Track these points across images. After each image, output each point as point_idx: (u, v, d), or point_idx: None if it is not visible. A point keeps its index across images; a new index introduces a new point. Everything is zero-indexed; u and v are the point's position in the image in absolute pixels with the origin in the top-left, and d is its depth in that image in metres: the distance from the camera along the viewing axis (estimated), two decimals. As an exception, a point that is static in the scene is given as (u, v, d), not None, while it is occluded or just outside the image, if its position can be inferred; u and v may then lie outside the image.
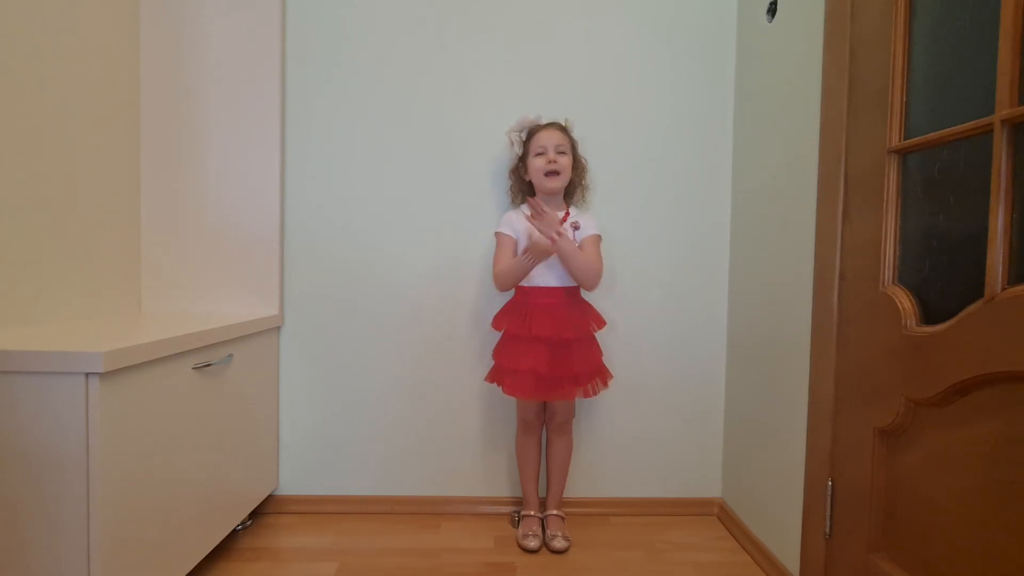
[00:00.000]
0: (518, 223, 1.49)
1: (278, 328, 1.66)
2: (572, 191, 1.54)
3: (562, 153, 1.45)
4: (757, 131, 1.53)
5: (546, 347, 1.40)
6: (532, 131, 1.49)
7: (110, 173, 1.44)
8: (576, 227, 1.47)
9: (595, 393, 1.48)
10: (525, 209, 1.52)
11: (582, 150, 1.57)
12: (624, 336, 1.69)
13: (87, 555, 0.93)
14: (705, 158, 1.69)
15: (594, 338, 1.49)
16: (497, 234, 1.50)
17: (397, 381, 1.69)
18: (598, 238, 1.49)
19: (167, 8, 1.56)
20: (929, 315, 0.95)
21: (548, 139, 1.45)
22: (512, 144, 1.50)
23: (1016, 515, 0.78)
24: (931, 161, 0.96)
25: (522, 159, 1.51)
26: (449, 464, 1.70)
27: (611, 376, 1.52)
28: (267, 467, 1.61)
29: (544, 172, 1.44)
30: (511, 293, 1.55)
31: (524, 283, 1.47)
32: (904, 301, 0.98)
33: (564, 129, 1.49)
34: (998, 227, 0.81)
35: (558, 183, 1.45)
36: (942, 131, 0.92)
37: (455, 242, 1.67)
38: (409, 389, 1.69)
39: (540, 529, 1.53)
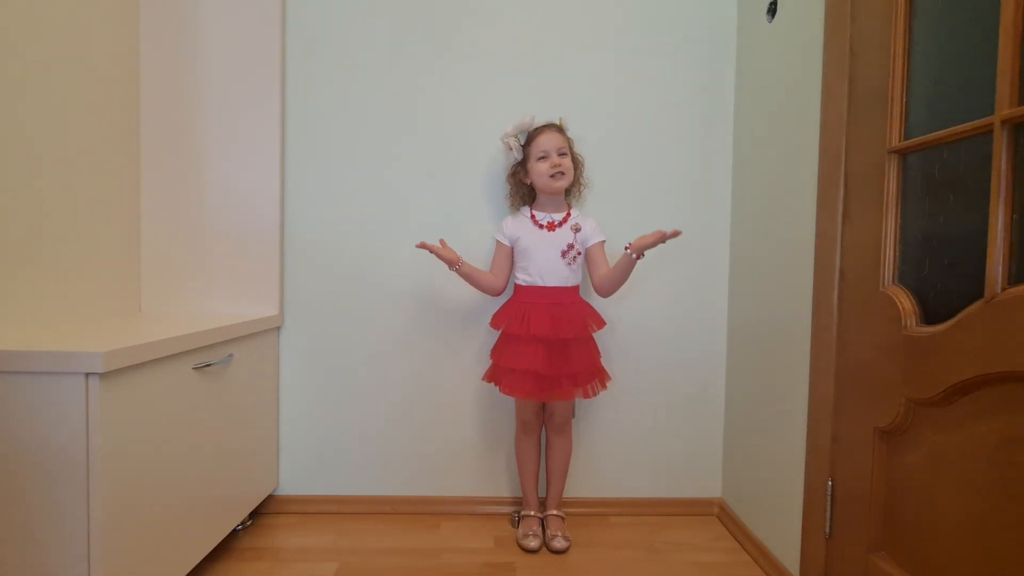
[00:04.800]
0: (513, 229, 1.50)
1: (278, 328, 1.66)
2: (570, 188, 1.54)
3: (563, 154, 1.46)
4: (757, 131, 1.53)
5: (544, 347, 1.40)
6: (531, 135, 1.49)
7: (110, 173, 1.44)
8: (577, 229, 1.48)
9: (594, 394, 1.48)
10: (524, 211, 1.53)
11: (582, 149, 1.57)
12: (624, 336, 1.69)
13: (87, 555, 0.93)
14: (705, 158, 1.69)
15: (593, 339, 1.49)
16: (496, 240, 1.54)
17: (397, 381, 1.69)
18: (603, 244, 1.50)
19: (167, 7, 1.56)
20: (929, 315, 0.95)
21: (549, 142, 1.45)
22: (511, 149, 1.49)
23: (1016, 515, 0.78)
24: (931, 161, 0.96)
25: (521, 163, 1.50)
26: (449, 464, 1.70)
27: (609, 378, 1.52)
28: (267, 467, 1.61)
29: (549, 175, 1.44)
30: (510, 292, 1.55)
31: (525, 283, 1.48)
32: (904, 301, 0.98)
33: (561, 129, 1.49)
34: (998, 227, 0.81)
35: (564, 183, 1.46)
36: (942, 131, 0.92)
37: (455, 242, 1.65)
38: (409, 389, 1.69)
39: (540, 529, 1.53)
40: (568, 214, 1.50)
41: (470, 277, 1.49)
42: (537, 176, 1.47)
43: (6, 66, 1.13)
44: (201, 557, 1.25)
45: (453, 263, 1.45)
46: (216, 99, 1.58)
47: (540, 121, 1.50)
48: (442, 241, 1.46)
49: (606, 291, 1.46)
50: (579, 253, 1.48)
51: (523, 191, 1.54)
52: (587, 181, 1.61)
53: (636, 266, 1.37)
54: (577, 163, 1.53)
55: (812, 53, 1.25)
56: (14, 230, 1.16)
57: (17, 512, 0.93)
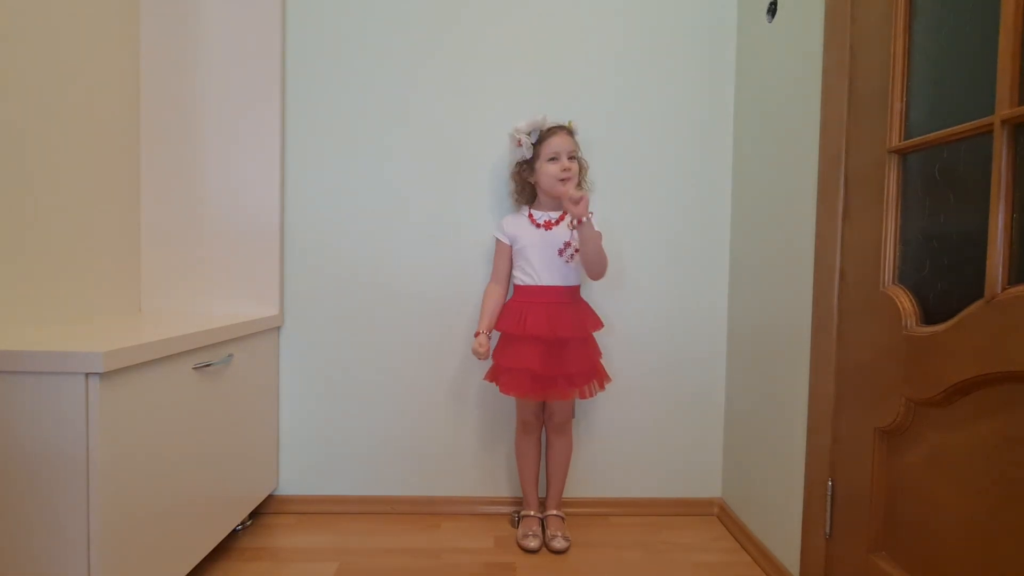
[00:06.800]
0: (513, 228, 1.50)
1: (278, 328, 1.66)
2: None
3: (572, 158, 1.46)
4: (757, 131, 1.53)
5: (540, 346, 1.40)
6: (543, 135, 1.47)
7: (110, 173, 1.44)
8: (574, 227, 1.47)
9: (591, 395, 1.48)
10: (523, 211, 1.53)
11: (584, 150, 1.57)
12: (624, 337, 1.69)
13: (87, 555, 0.93)
14: (705, 158, 1.69)
15: (592, 339, 1.49)
16: (495, 239, 1.54)
17: (397, 381, 1.69)
18: (600, 235, 1.49)
19: (168, 7, 1.56)
20: (929, 315, 0.95)
21: (561, 144, 1.44)
22: (520, 146, 1.47)
23: (1017, 515, 0.78)
24: (931, 161, 0.96)
25: (528, 162, 1.49)
26: (449, 464, 1.70)
27: (609, 379, 1.52)
28: (267, 467, 1.61)
29: (559, 178, 1.44)
30: (511, 293, 1.55)
31: (525, 282, 1.48)
32: (904, 301, 0.98)
33: (572, 133, 1.49)
34: (998, 227, 0.81)
35: (571, 188, 1.46)
36: (942, 131, 0.92)
37: (454, 242, 1.67)
38: (409, 389, 1.69)
39: (540, 529, 1.53)
40: (565, 212, 1.50)
41: (494, 319, 1.51)
42: (545, 177, 1.46)
43: (5, 66, 1.13)
44: (201, 557, 1.25)
45: (488, 340, 1.48)
46: (216, 98, 1.58)
47: (551, 121, 1.49)
48: (483, 347, 1.47)
49: (589, 270, 1.44)
50: (576, 250, 1.48)
51: (527, 189, 1.54)
52: (590, 184, 1.61)
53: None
54: (582, 167, 1.52)
55: (812, 53, 1.25)
56: (14, 230, 1.16)
57: (17, 512, 0.93)
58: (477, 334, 1.48)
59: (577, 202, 1.32)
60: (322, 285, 1.67)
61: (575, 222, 1.35)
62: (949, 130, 0.90)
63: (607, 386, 1.52)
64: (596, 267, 1.43)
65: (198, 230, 1.59)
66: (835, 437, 1.15)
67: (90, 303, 1.37)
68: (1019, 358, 0.77)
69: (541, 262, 1.46)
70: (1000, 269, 0.81)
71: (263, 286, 1.61)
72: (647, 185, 1.69)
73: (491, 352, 1.52)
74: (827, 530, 1.17)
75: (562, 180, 1.44)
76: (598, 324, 1.50)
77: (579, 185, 1.53)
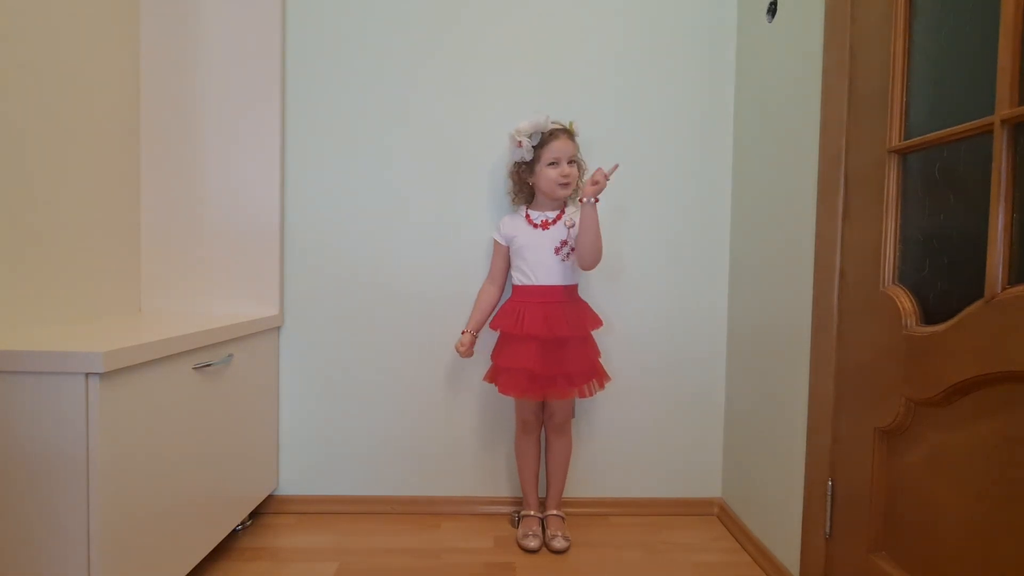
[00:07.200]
0: (510, 228, 1.51)
1: (278, 328, 1.66)
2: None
3: (572, 163, 1.46)
4: (757, 131, 1.53)
5: (538, 345, 1.40)
6: (544, 138, 1.46)
7: (110, 173, 1.44)
8: (571, 225, 1.47)
9: (591, 394, 1.48)
10: (521, 211, 1.54)
11: (582, 150, 1.57)
12: (623, 336, 1.69)
13: (87, 555, 0.93)
14: (705, 158, 1.69)
15: (591, 338, 1.49)
16: (493, 239, 1.56)
17: (397, 381, 1.69)
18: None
19: (168, 7, 1.56)
20: (929, 315, 0.95)
21: (562, 149, 1.44)
22: (520, 146, 1.46)
23: (1017, 515, 0.78)
24: (931, 161, 0.96)
25: (528, 163, 1.49)
26: (449, 464, 1.70)
27: (608, 379, 1.52)
28: (267, 467, 1.61)
29: (558, 183, 1.44)
30: (509, 293, 1.55)
31: (523, 282, 1.48)
32: (904, 301, 0.98)
33: (572, 135, 1.48)
34: (998, 227, 0.81)
35: (569, 192, 1.48)
36: (942, 131, 0.92)
37: (454, 242, 1.67)
38: (409, 389, 1.69)
39: (540, 529, 1.53)
40: (562, 212, 1.50)
41: (483, 319, 1.56)
42: (544, 181, 1.46)
43: (5, 66, 1.13)
44: (201, 557, 1.25)
45: (473, 340, 1.53)
46: (216, 98, 1.58)
47: (553, 123, 1.48)
48: (465, 345, 1.51)
49: (581, 255, 1.42)
50: (573, 249, 1.47)
51: (525, 189, 1.54)
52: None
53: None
54: (581, 169, 1.52)
55: (812, 53, 1.25)
56: (14, 230, 1.16)
57: (17, 512, 0.93)
58: (464, 332, 1.51)
59: (597, 182, 1.36)
60: (322, 285, 1.67)
61: (587, 199, 1.37)
62: (949, 130, 0.90)
63: (607, 386, 1.52)
64: (590, 253, 1.41)
65: (198, 230, 1.59)
66: (835, 437, 1.15)
67: (90, 303, 1.37)
68: (1019, 358, 0.77)
69: (538, 262, 1.46)
70: (1000, 269, 0.81)
71: (263, 286, 1.61)
72: (647, 185, 1.69)
73: (474, 351, 1.53)
74: (827, 530, 1.17)
75: (561, 185, 1.44)
76: (597, 323, 1.50)
77: (577, 189, 1.53)
